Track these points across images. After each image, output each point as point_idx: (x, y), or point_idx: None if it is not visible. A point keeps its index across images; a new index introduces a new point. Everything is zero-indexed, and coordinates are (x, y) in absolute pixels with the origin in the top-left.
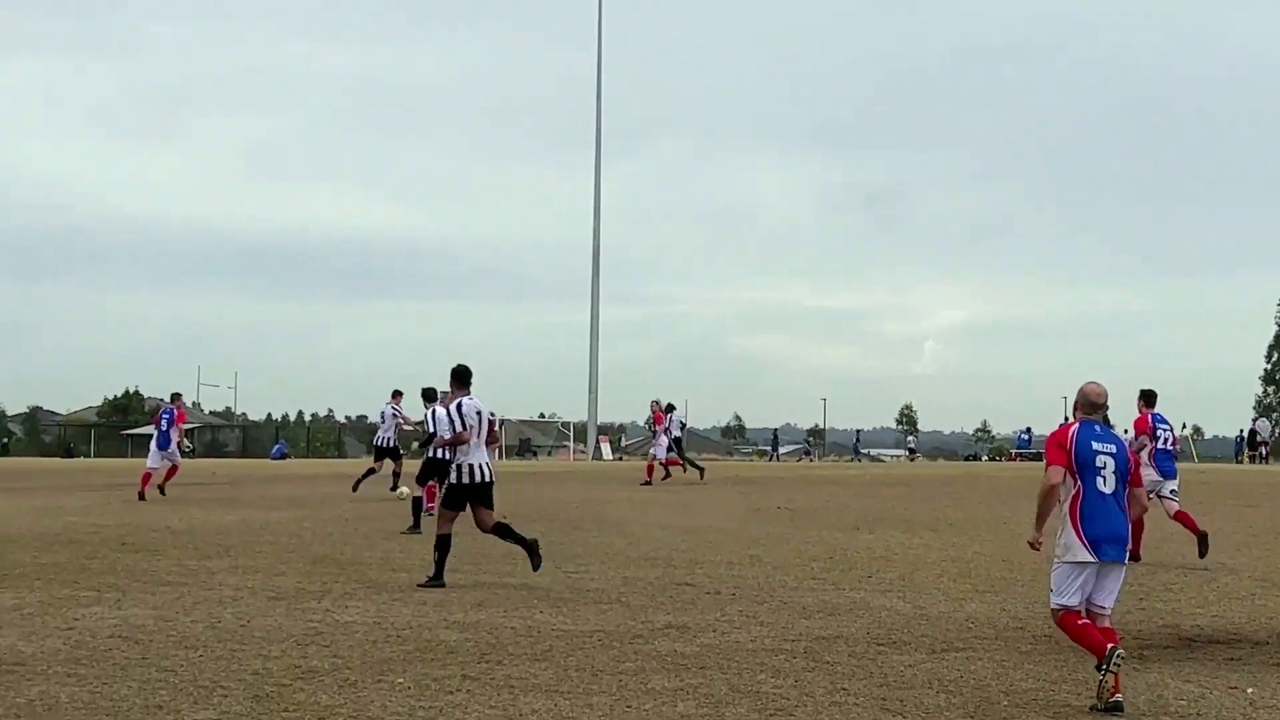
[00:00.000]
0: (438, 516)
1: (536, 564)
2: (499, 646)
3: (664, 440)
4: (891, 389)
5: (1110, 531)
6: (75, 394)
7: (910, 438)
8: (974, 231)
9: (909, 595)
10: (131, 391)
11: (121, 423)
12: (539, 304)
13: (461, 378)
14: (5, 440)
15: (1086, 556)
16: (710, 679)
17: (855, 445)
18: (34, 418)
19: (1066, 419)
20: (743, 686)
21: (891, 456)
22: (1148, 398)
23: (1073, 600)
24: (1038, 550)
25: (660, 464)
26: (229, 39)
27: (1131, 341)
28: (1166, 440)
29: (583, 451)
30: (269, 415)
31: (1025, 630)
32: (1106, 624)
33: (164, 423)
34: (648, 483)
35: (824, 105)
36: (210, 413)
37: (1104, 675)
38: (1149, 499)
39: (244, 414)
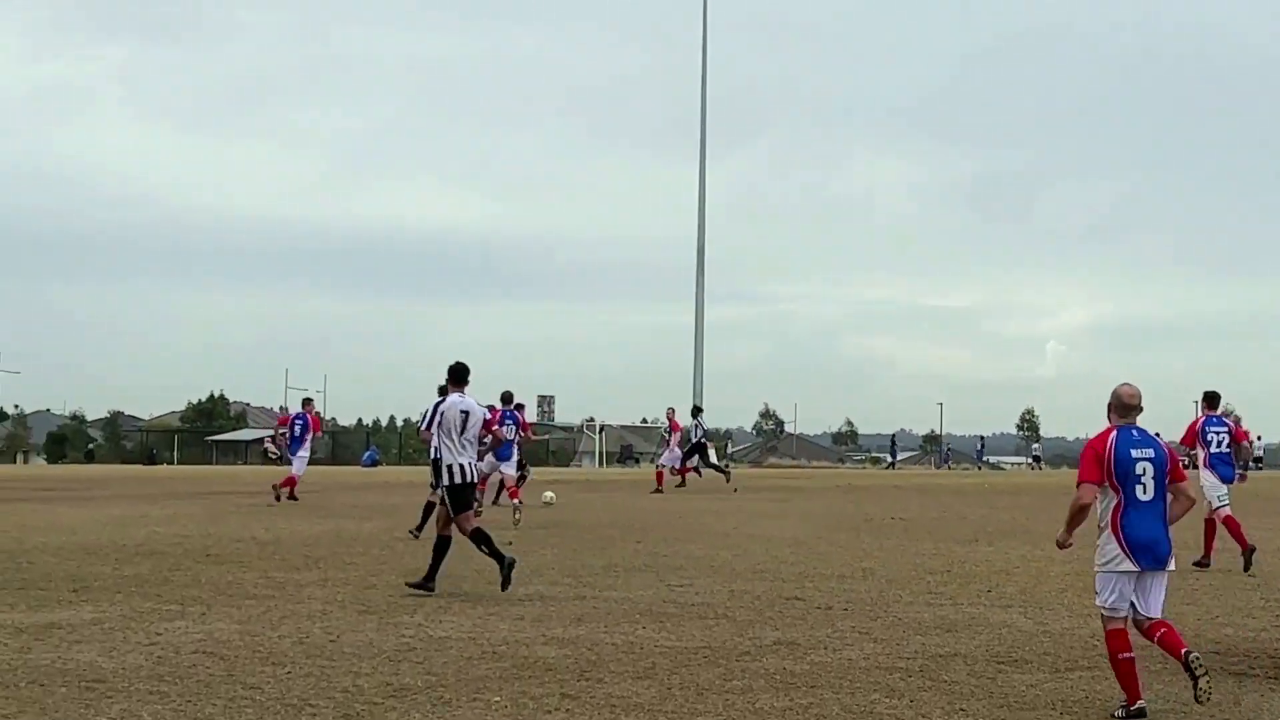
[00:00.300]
0: (438, 519)
1: (505, 584)
2: (599, 664)
3: (676, 450)
4: (1011, 392)
5: (1150, 539)
6: (158, 398)
7: (1035, 445)
8: (1098, 225)
9: (1030, 610)
10: (216, 396)
11: (206, 428)
12: (641, 303)
13: (457, 375)
14: (90, 447)
15: (1129, 566)
16: (821, 698)
17: (979, 452)
18: (115, 423)
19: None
20: (855, 707)
21: (1012, 464)
22: (1210, 400)
23: (1121, 607)
24: (1064, 549)
25: (672, 471)
26: (315, 28)
27: (1265, 342)
28: (1222, 443)
29: None
30: (359, 420)
31: (1153, 649)
32: (1161, 625)
33: (298, 428)
34: (658, 490)
35: (940, 94)
36: None
37: (1197, 683)
38: (1213, 506)
39: (333, 419)
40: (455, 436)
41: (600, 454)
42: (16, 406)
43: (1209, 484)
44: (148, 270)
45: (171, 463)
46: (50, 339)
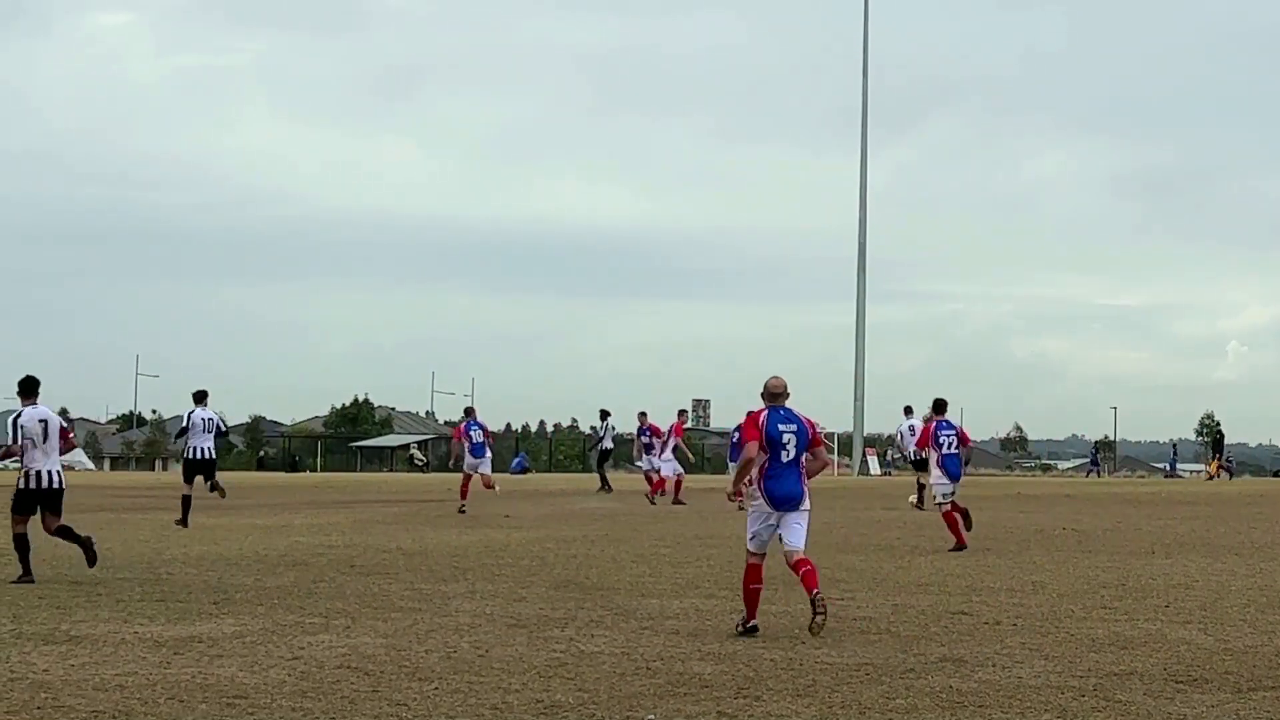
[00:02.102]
0: (11, 520)
1: (91, 561)
2: (757, 680)
3: (670, 454)
4: (1189, 396)
5: (787, 491)
6: (300, 403)
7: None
8: None
9: (1211, 627)
10: (360, 400)
11: (350, 434)
12: (799, 303)
13: (25, 388)
14: (262, 454)
15: (769, 509)
16: (989, 718)
17: (1172, 460)
18: (256, 428)
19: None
20: None
21: (1192, 472)
22: (937, 406)
23: (762, 541)
24: (733, 503)
25: (665, 477)
26: (465, 15)
27: None
28: (951, 444)
29: (847, 466)
30: (508, 425)
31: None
32: (803, 561)
33: (476, 434)
34: (679, 500)
35: (1112, 81)
36: (445, 423)
37: (817, 617)
38: (936, 500)
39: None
40: (40, 444)
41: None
42: (155, 412)
43: (938, 482)
44: (289, 271)
45: (315, 470)
46: (189, 343)
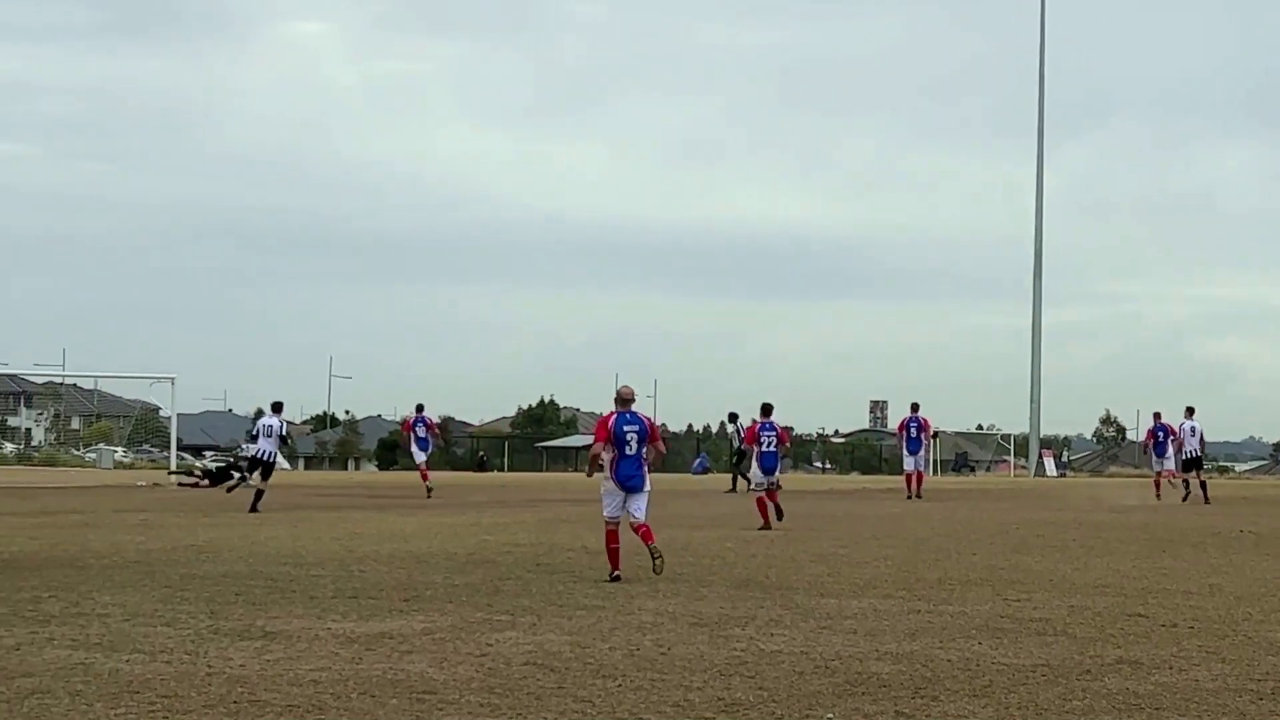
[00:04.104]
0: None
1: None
2: (934, 680)
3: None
4: None
5: (629, 475)
6: (488, 404)
7: None
8: None
9: None
10: (547, 401)
11: (536, 434)
12: (973, 304)
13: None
14: (483, 457)
15: (618, 490)
16: None
17: None
18: (445, 429)
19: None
20: None
21: None
22: (764, 409)
23: (616, 511)
24: (590, 477)
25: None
26: (649, 18)
27: None
28: (770, 444)
29: (1023, 467)
30: (689, 426)
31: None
32: (642, 526)
33: (420, 429)
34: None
35: None
36: None
37: (655, 561)
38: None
39: (664, 425)
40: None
41: (935, 462)
42: (348, 413)
43: (755, 473)
44: (477, 273)
45: (502, 469)
46: (381, 344)
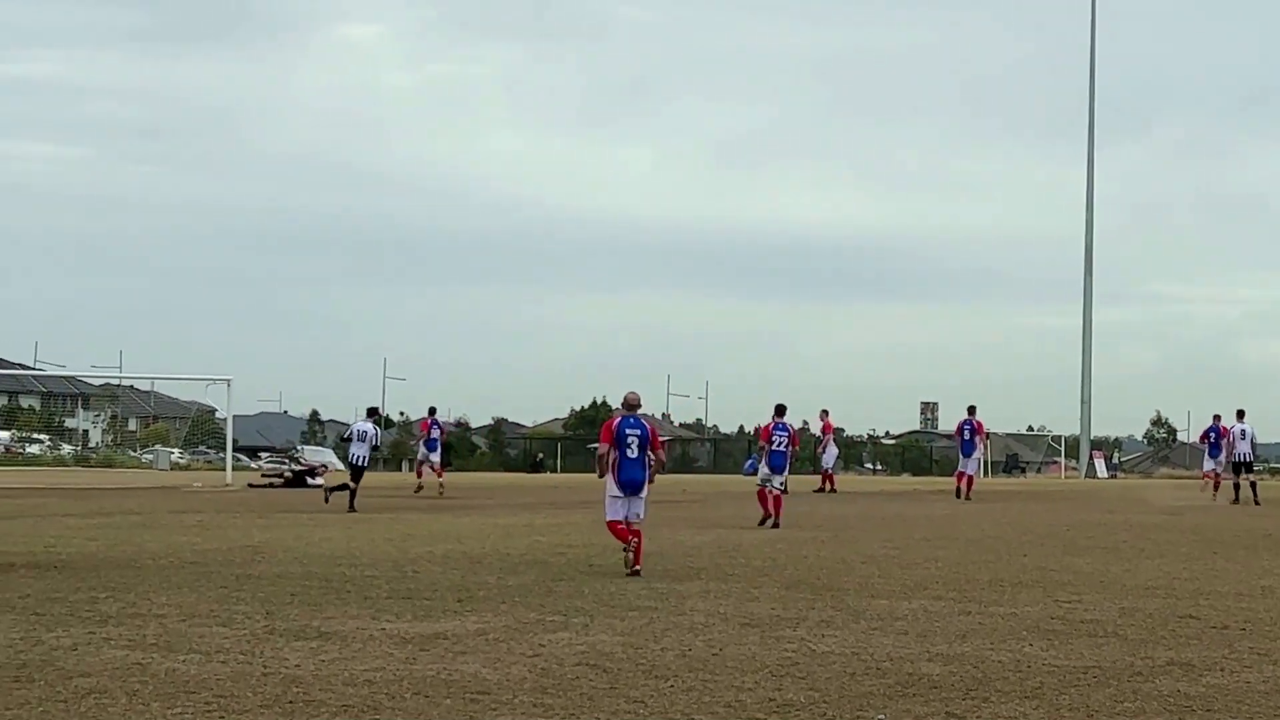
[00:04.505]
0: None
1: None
2: (985, 682)
3: (833, 450)
4: None
5: (632, 479)
6: (541, 405)
7: None
8: None
9: None
10: (599, 402)
11: (588, 436)
12: (1023, 305)
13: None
14: (539, 458)
15: (619, 493)
16: None
17: None
18: (499, 430)
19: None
20: None
21: None
22: (778, 410)
23: (619, 515)
24: (600, 478)
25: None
26: (699, 23)
27: None
28: (780, 444)
29: (1074, 468)
30: (740, 428)
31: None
32: (637, 526)
33: (435, 431)
34: (821, 490)
35: None
36: (680, 425)
37: (626, 551)
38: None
39: (714, 426)
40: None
41: (986, 462)
42: (402, 413)
43: (763, 470)
44: (530, 276)
45: (555, 470)
46: (435, 346)
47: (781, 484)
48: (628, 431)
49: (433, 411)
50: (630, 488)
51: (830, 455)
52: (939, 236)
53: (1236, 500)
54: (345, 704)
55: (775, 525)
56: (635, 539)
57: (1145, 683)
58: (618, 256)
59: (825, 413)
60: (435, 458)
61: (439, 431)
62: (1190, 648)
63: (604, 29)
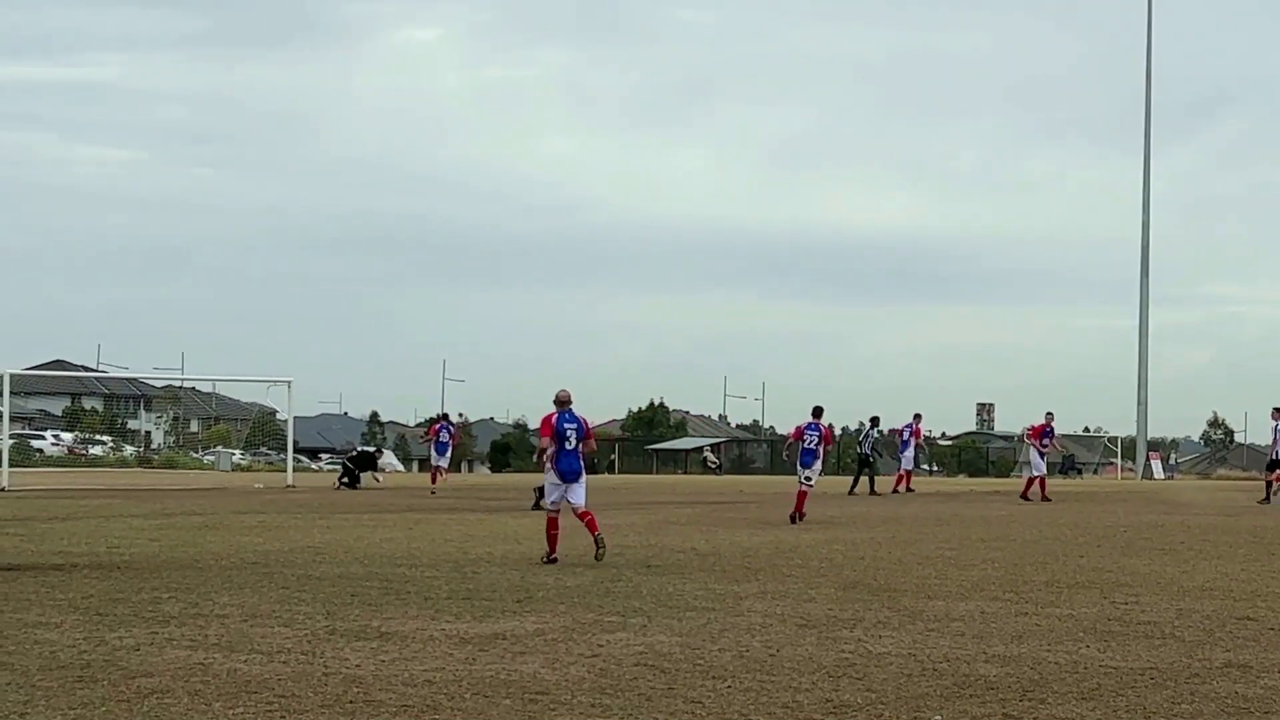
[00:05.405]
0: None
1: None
2: (1042, 683)
3: (912, 453)
4: None
5: (569, 468)
6: (598, 406)
7: None
8: None
9: None
10: (656, 403)
11: (646, 436)
12: (1079, 306)
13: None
14: (596, 460)
15: (558, 481)
16: None
17: None
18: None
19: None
20: None
21: None
22: (815, 412)
23: (555, 501)
24: (538, 461)
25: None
26: (751, 26)
27: None
28: (812, 442)
29: (1131, 469)
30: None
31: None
32: (586, 513)
33: (444, 435)
34: (896, 490)
35: None
36: (737, 426)
37: (598, 550)
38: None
39: (771, 428)
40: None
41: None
42: (461, 415)
43: (798, 467)
44: (587, 277)
45: (613, 471)
46: (493, 347)
47: (809, 479)
48: (566, 426)
49: (444, 416)
50: (569, 476)
51: (909, 458)
52: (992, 238)
53: (1266, 499)
54: (405, 704)
55: (797, 519)
56: (587, 520)
57: (1202, 685)
58: (674, 259)
59: (918, 417)
60: (444, 461)
61: (448, 435)
62: (1247, 649)
63: (656, 33)
